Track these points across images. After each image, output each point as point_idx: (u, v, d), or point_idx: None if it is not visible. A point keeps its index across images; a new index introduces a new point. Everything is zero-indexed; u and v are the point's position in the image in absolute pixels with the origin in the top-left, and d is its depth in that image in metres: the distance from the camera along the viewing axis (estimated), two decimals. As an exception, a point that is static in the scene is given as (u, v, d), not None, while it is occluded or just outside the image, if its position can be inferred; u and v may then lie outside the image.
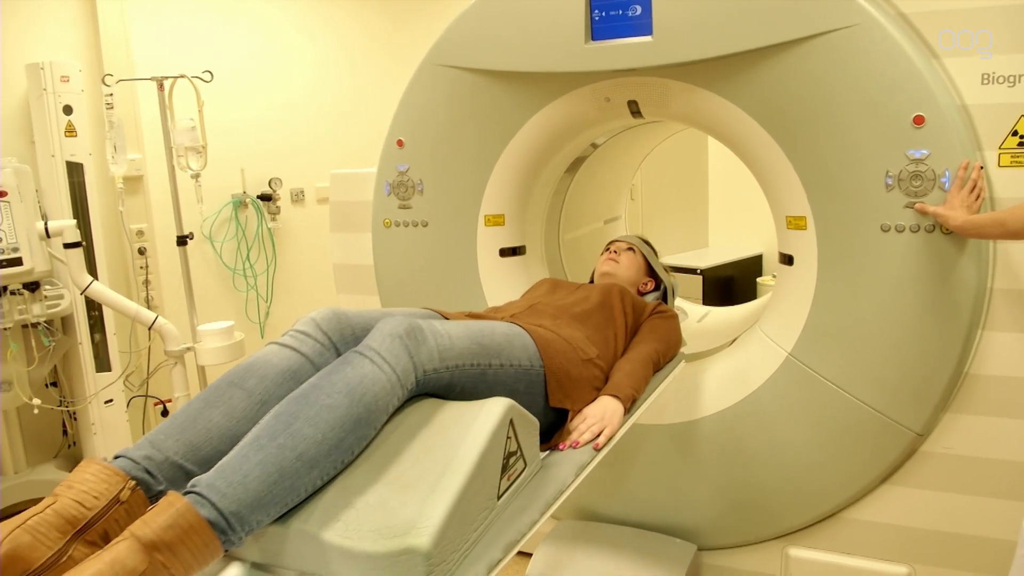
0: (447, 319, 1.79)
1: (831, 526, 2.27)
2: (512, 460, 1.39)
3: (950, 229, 1.90)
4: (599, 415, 1.72)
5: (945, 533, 2.13)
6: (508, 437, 1.37)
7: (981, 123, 1.92)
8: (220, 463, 1.19)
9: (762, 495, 2.29)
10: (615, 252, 2.53)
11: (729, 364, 2.38)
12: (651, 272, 2.56)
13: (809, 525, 2.28)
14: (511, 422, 1.37)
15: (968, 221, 1.82)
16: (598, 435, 1.67)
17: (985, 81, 1.91)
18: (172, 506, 1.09)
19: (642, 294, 2.50)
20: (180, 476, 1.28)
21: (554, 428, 1.74)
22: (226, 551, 1.13)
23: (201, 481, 1.15)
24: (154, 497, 1.24)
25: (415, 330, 1.44)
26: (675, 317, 2.23)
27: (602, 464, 1.68)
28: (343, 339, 1.54)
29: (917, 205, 1.94)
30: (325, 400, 1.27)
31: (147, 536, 1.05)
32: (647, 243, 2.61)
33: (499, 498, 1.33)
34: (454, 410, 1.42)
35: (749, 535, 2.37)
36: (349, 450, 1.28)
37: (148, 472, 1.25)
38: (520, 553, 1.36)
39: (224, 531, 1.11)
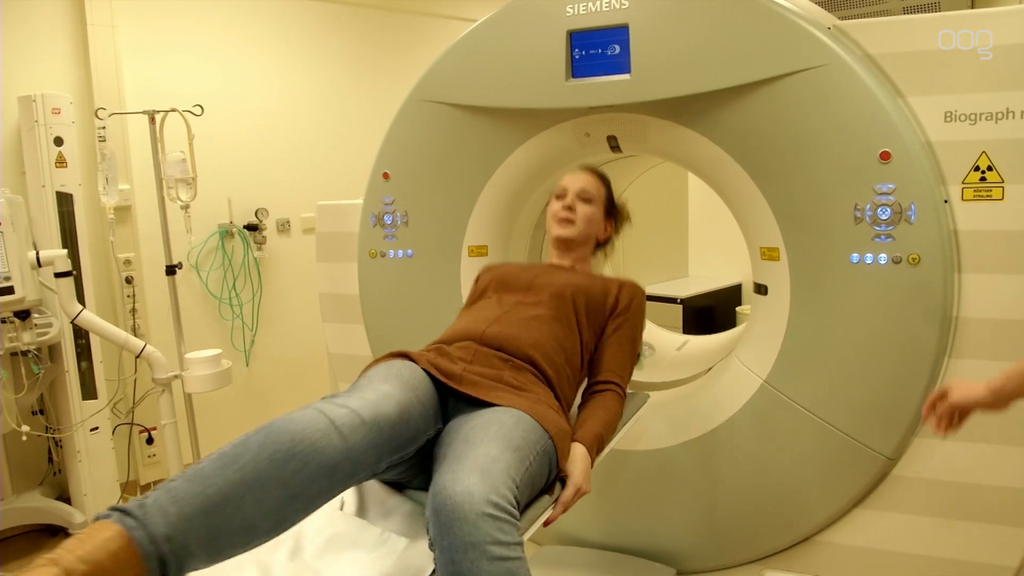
0: (411, 359, 1.70)
1: (807, 549, 2.31)
2: None
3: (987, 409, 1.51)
4: (578, 480, 1.64)
5: (916, 556, 2.18)
6: None
7: (945, 159, 1.99)
8: None
9: (739, 519, 2.33)
10: (569, 209, 2.13)
11: (707, 391, 2.43)
12: (608, 211, 2.24)
13: (786, 548, 2.33)
14: None
15: (994, 391, 1.48)
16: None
17: (948, 119, 1.98)
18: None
19: (600, 243, 2.25)
20: (185, 556, 1.16)
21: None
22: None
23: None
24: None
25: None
26: (639, 300, 2.07)
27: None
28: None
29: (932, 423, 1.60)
30: None
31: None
32: (603, 178, 2.25)
33: None
34: None
35: (727, 559, 2.41)
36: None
37: (162, 561, 1.13)
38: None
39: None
